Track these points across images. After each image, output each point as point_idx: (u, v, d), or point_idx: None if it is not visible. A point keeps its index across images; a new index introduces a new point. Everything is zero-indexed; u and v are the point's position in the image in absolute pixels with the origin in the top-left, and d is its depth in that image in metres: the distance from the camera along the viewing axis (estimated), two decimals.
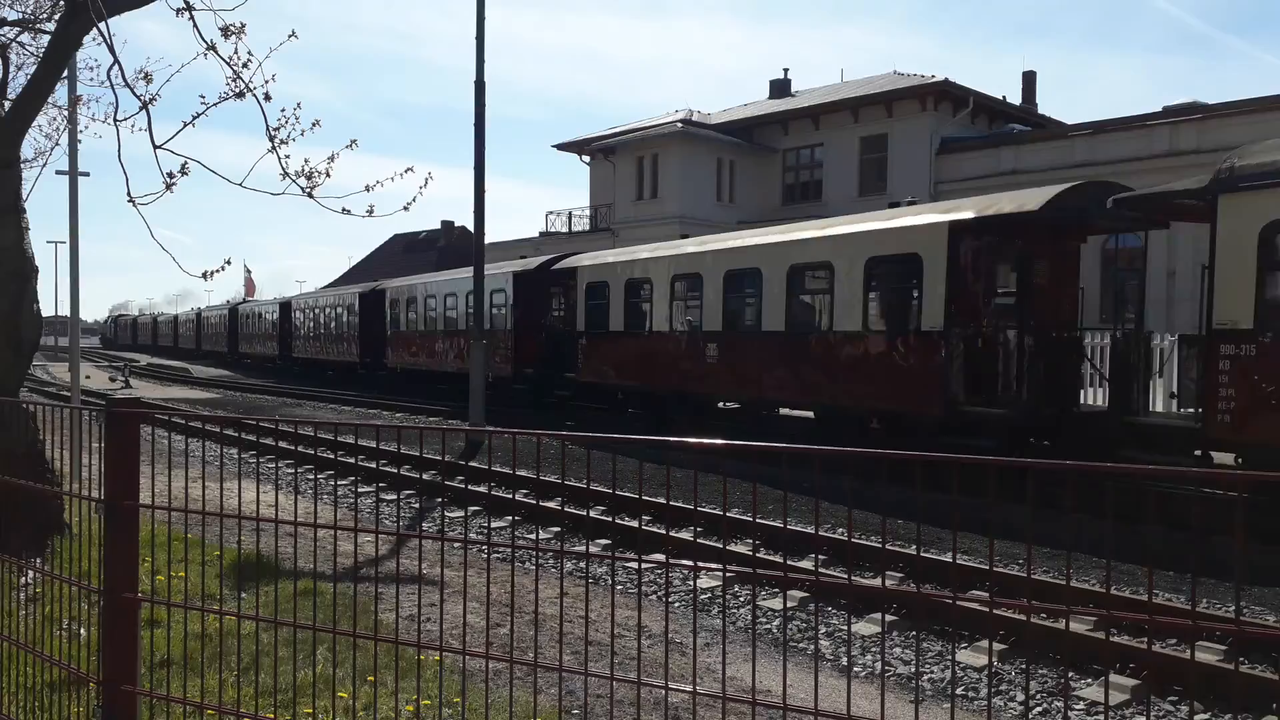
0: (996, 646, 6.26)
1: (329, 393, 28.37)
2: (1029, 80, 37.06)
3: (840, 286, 14.36)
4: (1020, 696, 5.53)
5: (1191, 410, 10.59)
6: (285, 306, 43.21)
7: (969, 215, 12.77)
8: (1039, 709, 5.44)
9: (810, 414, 16.54)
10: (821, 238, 15.09)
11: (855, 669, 6.00)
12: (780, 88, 40.71)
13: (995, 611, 6.58)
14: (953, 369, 12.56)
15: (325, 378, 36.03)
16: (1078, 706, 5.38)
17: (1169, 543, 9.20)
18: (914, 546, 8.38)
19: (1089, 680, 5.71)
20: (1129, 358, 11.79)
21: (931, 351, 12.75)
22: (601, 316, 19.97)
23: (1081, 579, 7.84)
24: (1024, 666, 5.91)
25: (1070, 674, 5.76)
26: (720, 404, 18.24)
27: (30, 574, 5.56)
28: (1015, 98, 35.63)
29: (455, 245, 55.38)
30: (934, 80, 31.49)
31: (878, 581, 7.44)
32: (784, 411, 17.51)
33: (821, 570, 8.00)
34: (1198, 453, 10.26)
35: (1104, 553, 8.66)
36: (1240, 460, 10.19)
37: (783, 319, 15.36)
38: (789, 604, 7.26)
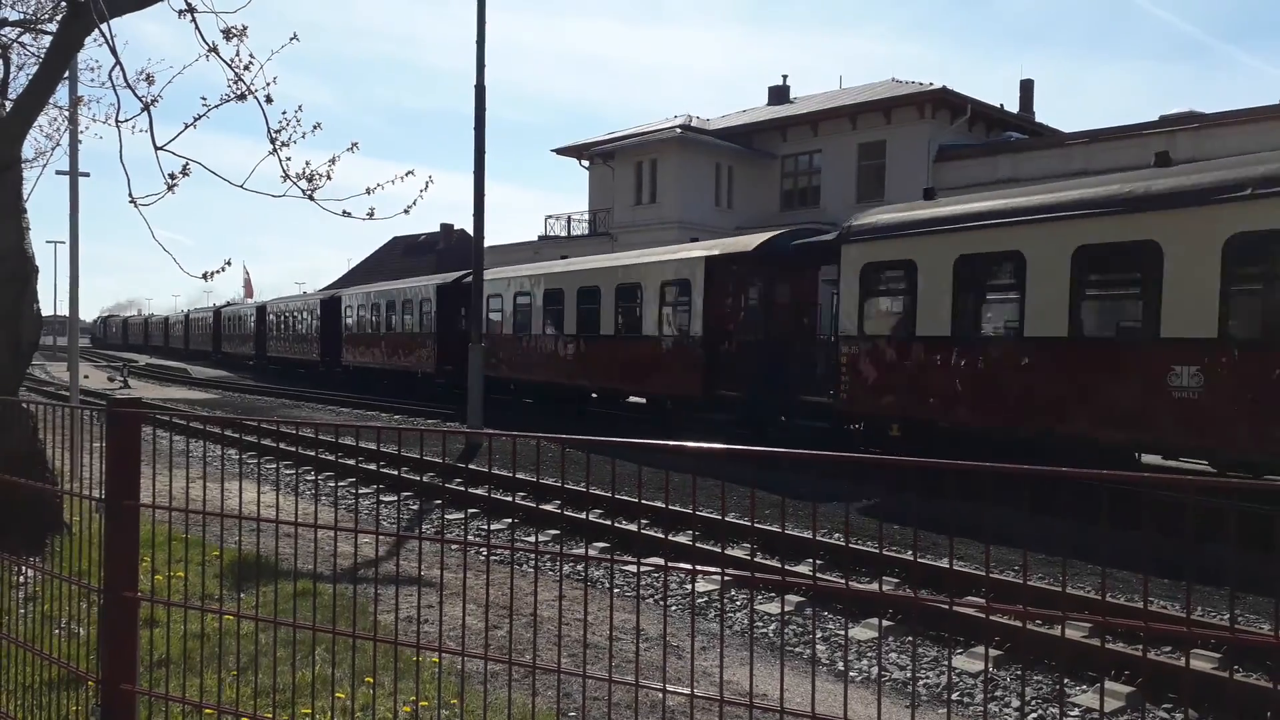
0: (992, 652, 6.28)
1: (329, 394, 28.43)
2: (1027, 89, 37.11)
3: (646, 302, 18.69)
4: (1016, 702, 5.55)
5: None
6: (261, 310, 46.31)
7: (717, 252, 17.33)
8: (1034, 715, 5.46)
9: (643, 399, 20.44)
10: (635, 264, 19.55)
11: (852, 673, 6.02)
12: (779, 94, 40.76)
13: (991, 617, 6.60)
14: (708, 364, 17.00)
15: (296, 375, 39.00)
16: (1073, 713, 5.40)
17: (1164, 550, 9.23)
18: (910, 552, 8.40)
19: (1084, 687, 5.73)
20: (806, 355, 16.76)
21: (696, 351, 17.25)
22: (499, 321, 24.14)
23: (1077, 585, 7.85)
24: (1020, 672, 5.93)
25: (1066, 680, 5.78)
26: (593, 394, 21.89)
27: (29, 572, 5.57)
28: (1013, 106, 35.68)
29: (454, 248, 55.36)
30: (932, 88, 31.54)
31: (875, 586, 7.46)
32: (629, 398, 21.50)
33: (819, 575, 8.02)
34: (855, 425, 14.40)
35: (1099, 559, 8.68)
36: (860, 427, 14.31)
37: (614, 326, 19.73)
38: (786, 608, 7.28)
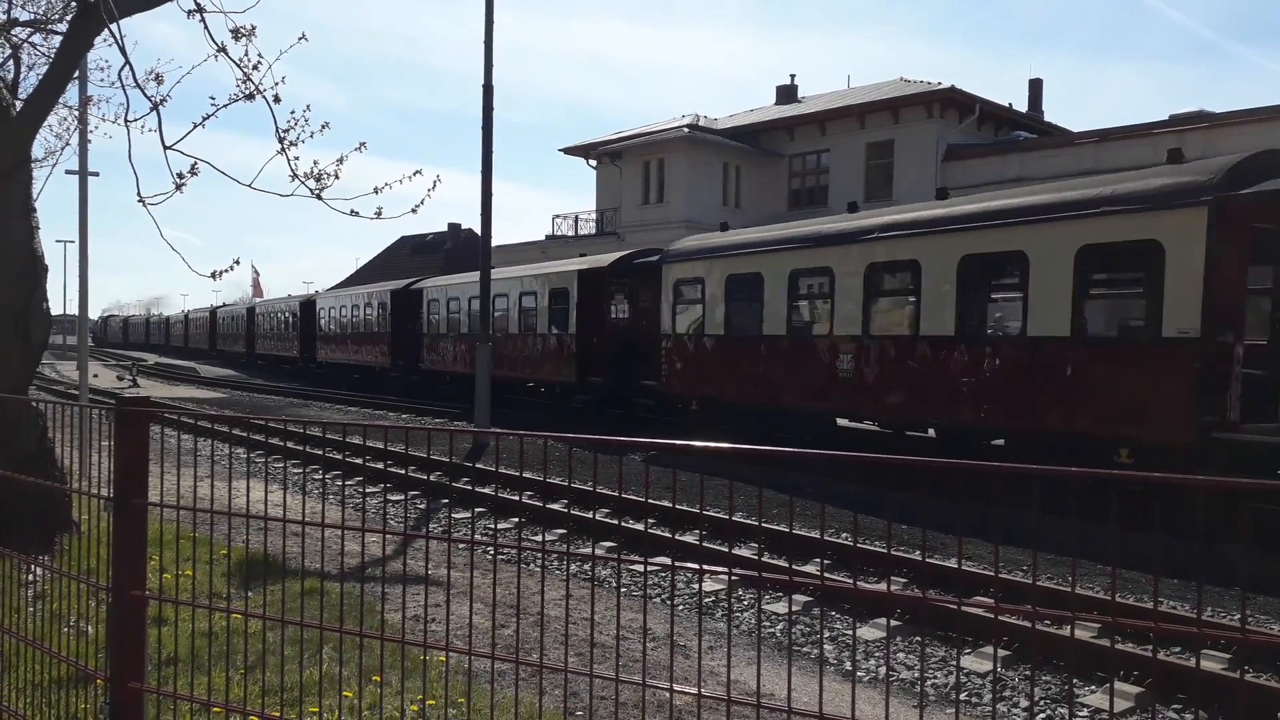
0: (1001, 652, 6.26)
1: (334, 393, 28.57)
2: (1035, 88, 36.96)
3: (540, 305, 23.20)
4: (1024, 703, 5.53)
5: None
6: (251, 311, 50.04)
7: (586, 267, 21.97)
8: (1043, 715, 5.44)
9: (541, 388, 24.44)
10: (532, 274, 24.13)
11: (859, 673, 6.00)
12: (787, 93, 40.68)
13: (1000, 617, 6.58)
14: (580, 357, 21.49)
15: (280, 371, 42.39)
16: (1082, 713, 5.38)
17: (1174, 550, 9.19)
18: (919, 552, 8.37)
19: (1093, 687, 5.71)
20: (649, 349, 19.41)
21: (571, 346, 21.80)
22: (436, 323, 28.91)
23: (1086, 586, 7.83)
24: (1028, 673, 5.90)
25: (1074, 681, 5.75)
26: (506, 385, 24.46)
27: (38, 570, 5.59)
28: (1022, 105, 35.54)
29: (462, 247, 55.38)
30: (940, 87, 31.43)
31: (883, 586, 7.44)
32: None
33: (826, 574, 8.00)
34: (677, 404, 18.65)
35: (1109, 560, 8.64)
36: (680, 405, 18.37)
37: (518, 325, 24.22)
38: (794, 608, 7.27)
